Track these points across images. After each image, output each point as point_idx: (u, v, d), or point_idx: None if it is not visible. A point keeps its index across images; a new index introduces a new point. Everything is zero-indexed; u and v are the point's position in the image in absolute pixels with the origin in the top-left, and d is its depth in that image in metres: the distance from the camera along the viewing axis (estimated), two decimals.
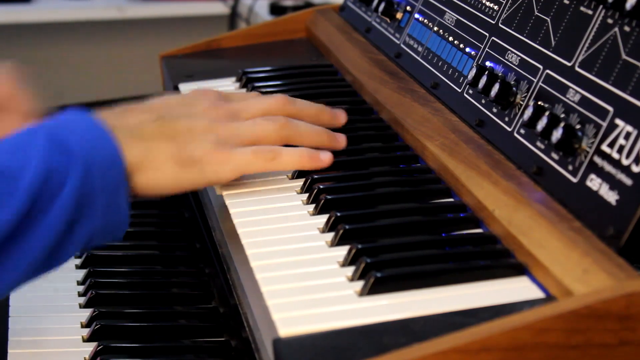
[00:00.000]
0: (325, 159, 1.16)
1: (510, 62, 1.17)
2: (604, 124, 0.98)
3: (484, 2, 1.28)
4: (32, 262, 1.00)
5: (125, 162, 1.05)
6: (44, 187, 0.99)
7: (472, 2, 1.31)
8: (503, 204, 1.02)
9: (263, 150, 1.12)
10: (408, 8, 1.47)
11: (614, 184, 0.94)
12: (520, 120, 1.11)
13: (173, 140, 1.09)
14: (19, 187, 0.98)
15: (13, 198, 0.97)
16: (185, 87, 1.51)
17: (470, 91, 1.23)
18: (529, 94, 1.12)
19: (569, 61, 1.07)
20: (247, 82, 1.49)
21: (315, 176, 1.14)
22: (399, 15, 1.49)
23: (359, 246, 0.98)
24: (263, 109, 1.17)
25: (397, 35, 1.47)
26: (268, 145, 1.14)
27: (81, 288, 1.29)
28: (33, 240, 0.99)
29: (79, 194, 1.01)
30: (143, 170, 1.07)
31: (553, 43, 1.11)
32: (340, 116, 1.25)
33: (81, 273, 1.32)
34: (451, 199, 1.10)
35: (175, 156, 1.08)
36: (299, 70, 1.54)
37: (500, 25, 1.23)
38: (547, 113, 1.04)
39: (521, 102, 1.13)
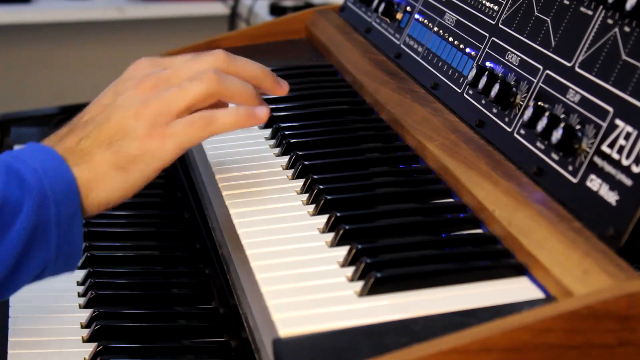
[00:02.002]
0: (262, 115, 1.12)
1: (510, 62, 1.17)
2: (604, 125, 0.98)
3: (484, 2, 1.28)
4: None
5: (79, 191, 1.05)
6: None
7: (472, 2, 1.31)
8: (503, 204, 1.02)
9: (196, 119, 1.08)
10: (408, 8, 1.47)
11: (614, 184, 0.94)
12: (520, 120, 1.11)
13: (109, 147, 1.07)
14: None
15: None
16: None
17: (470, 91, 1.23)
18: (529, 94, 1.12)
19: (569, 61, 1.07)
20: None
21: (315, 176, 1.14)
22: (399, 16, 1.49)
23: (359, 246, 0.98)
24: (197, 70, 1.12)
25: (397, 35, 1.47)
26: (202, 109, 1.10)
27: (81, 288, 1.28)
28: None
29: (32, 225, 1.01)
30: (93, 188, 1.07)
31: (553, 43, 1.11)
32: (282, 84, 1.18)
33: (81, 273, 1.32)
34: (451, 200, 1.10)
35: (116, 163, 1.07)
36: (298, 71, 1.54)
37: (500, 25, 1.23)
38: (547, 113, 1.04)
39: (521, 103, 1.13)
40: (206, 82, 1.09)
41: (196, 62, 1.13)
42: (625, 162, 0.94)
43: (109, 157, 1.07)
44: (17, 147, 1.13)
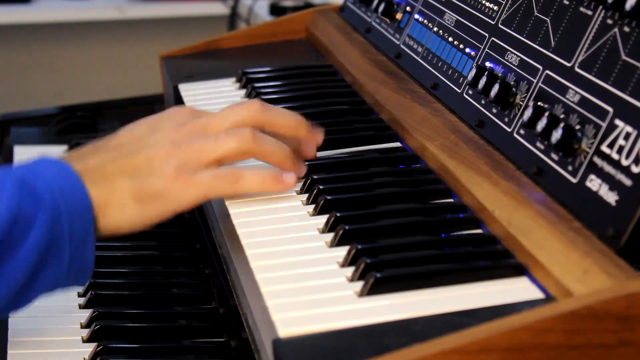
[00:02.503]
0: (289, 181, 1.12)
1: (510, 62, 1.17)
2: (604, 125, 0.98)
3: (483, 2, 1.28)
4: None
5: (93, 211, 1.04)
6: (11, 232, 0.99)
7: (472, 2, 1.31)
8: (503, 204, 1.02)
9: (224, 173, 1.09)
10: (408, 8, 1.47)
11: (613, 184, 0.94)
12: (520, 120, 1.11)
13: (133, 177, 1.07)
14: None
15: None
16: (185, 87, 1.51)
17: (470, 92, 1.23)
18: (529, 94, 1.12)
19: (569, 62, 1.07)
20: (247, 83, 1.49)
21: (315, 177, 1.14)
22: (398, 16, 1.49)
23: (359, 247, 0.98)
24: (232, 122, 1.11)
25: (397, 35, 1.47)
26: (231, 164, 1.11)
27: (81, 289, 1.28)
28: None
29: (45, 241, 1.01)
30: (107, 212, 1.06)
31: (553, 43, 1.11)
32: (318, 135, 1.18)
33: None
34: (451, 200, 1.10)
35: (136, 194, 1.07)
36: (298, 71, 1.54)
37: (500, 25, 1.23)
38: (546, 113, 1.04)
39: (521, 103, 1.13)
40: (241, 141, 1.09)
41: (233, 113, 1.12)
42: (625, 162, 0.94)
43: (130, 187, 1.07)
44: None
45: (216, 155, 1.08)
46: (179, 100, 1.49)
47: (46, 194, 1.02)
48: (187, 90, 1.50)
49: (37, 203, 1.01)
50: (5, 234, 0.99)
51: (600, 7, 1.06)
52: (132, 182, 1.07)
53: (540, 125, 1.04)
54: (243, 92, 1.47)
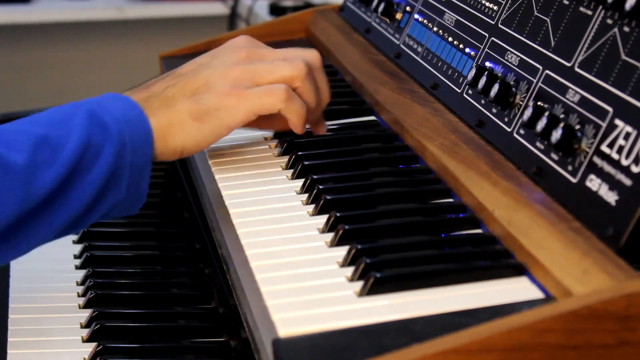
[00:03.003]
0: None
1: (510, 62, 1.17)
2: (604, 125, 0.98)
3: (483, 2, 1.28)
4: (63, 222, 1.10)
5: (153, 144, 1.14)
6: (82, 158, 1.09)
7: (472, 2, 1.31)
8: (503, 204, 1.02)
9: (275, 89, 1.16)
10: (408, 8, 1.47)
11: (613, 184, 0.94)
12: (520, 120, 1.11)
13: (191, 97, 1.16)
14: (62, 156, 1.08)
15: (56, 164, 1.07)
16: None
17: (470, 91, 1.23)
18: (529, 94, 1.12)
19: (569, 61, 1.07)
20: None
21: (315, 176, 1.14)
22: (398, 16, 1.49)
23: (359, 246, 0.98)
24: (290, 56, 1.21)
25: (397, 35, 1.47)
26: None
27: (81, 289, 1.29)
28: (67, 204, 1.09)
29: (110, 169, 1.10)
30: (171, 133, 1.15)
31: (552, 43, 1.11)
32: (321, 126, 1.28)
33: (81, 273, 1.32)
34: (451, 200, 1.10)
35: (194, 112, 1.15)
36: None
37: (499, 25, 1.23)
38: (546, 113, 1.04)
39: (521, 103, 1.13)
40: (295, 69, 1.18)
41: (291, 50, 1.24)
42: (624, 162, 0.94)
43: (188, 106, 1.15)
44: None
45: (270, 79, 1.18)
46: None
47: (113, 126, 1.11)
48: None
49: (105, 134, 1.10)
50: (77, 160, 1.08)
51: (600, 7, 1.06)
52: (190, 102, 1.16)
53: (540, 125, 1.04)
54: None
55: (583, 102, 1.02)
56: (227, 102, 1.15)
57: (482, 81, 1.17)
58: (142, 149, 1.13)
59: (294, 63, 1.19)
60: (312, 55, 1.23)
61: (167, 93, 1.17)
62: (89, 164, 1.09)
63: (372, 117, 1.33)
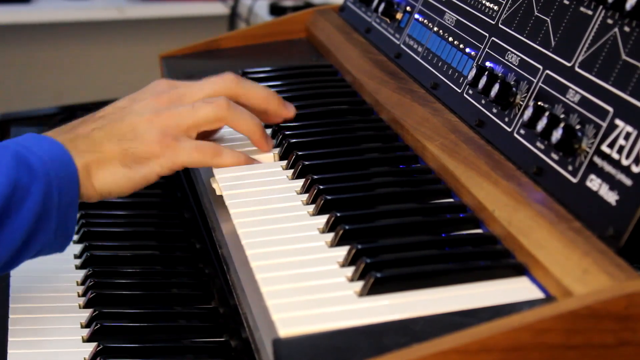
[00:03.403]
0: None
1: (510, 62, 1.17)
2: (604, 125, 0.98)
3: (483, 2, 1.28)
4: None
5: (79, 183, 1.15)
6: (10, 200, 1.09)
7: (472, 2, 1.31)
8: (503, 204, 1.02)
9: (206, 147, 1.18)
10: (408, 8, 1.47)
11: (613, 184, 0.94)
12: (520, 120, 1.11)
13: (119, 142, 1.17)
14: None
15: None
16: None
17: (470, 91, 1.23)
18: (529, 94, 1.12)
19: (569, 61, 1.07)
20: None
21: (315, 176, 1.14)
22: (398, 16, 1.49)
23: (359, 246, 0.98)
24: (208, 92, 1.21)
25: (397, 35, 1.47)
26: (211, 137, 1.23)
27: (81, 289, 1.28)
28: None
29: (38, 210, 1.10)
30: (98, 176, 1.17)
31: (553, 43, 1.11)
32: (289, 108, 1.28)
33: (81, 273, 1.32)
34: (451, 200, 1.10)
35: (123, 158, 1.17)
36: (298, 71, 1.54)
37: (500, 25, 1.23)
38: (547, 113, 1.04)
39: (521, 103, 1.13)
40: (217, 109, 1.19)
41: (209, 83, 1.23)
42: (625, 162, 0.94)
43: (117, 151, 1.17)
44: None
45: (194, 121, 1.18)
46: None
47: (39, 167, 1.11)
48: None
49: (31, 175, 1.10)
50: (5, 202, 1.09)
51: (601, 7, 1.06)
52: (118, 148, 1.17)
53: (541, 125, 1.04)
54: None
55: (583, 102, 1.02)
56: (157, 152, 1.17)
57: (483, 81, 1.17)
58: (68, 189, 1.13)
59: (214, 103, 1.19)
60: (227, 80, 1.23)
61: (94, 136, 1.17)
62: (17, 205, 1.09)
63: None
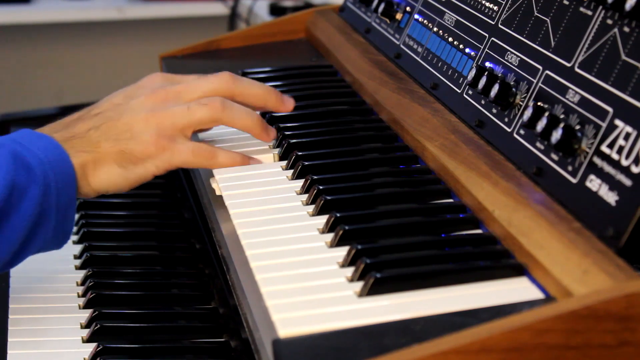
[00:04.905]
0: (256, 159, 1.23)
1: (510, 62, 1.17)
2: (604, 125, 0.98)
3: (483, 2, 1.28)
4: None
5: (77, 182, 1.15)
6: (8, 200, 1.10)
7: (472, 2, 1.31)
8: (503, 204, 1.02)
9: (201, 150, 1.19)
10: (408, 9, 1.47)
11: (613, 184, 0.94)
12: (520, 120, 1.11)
13: (116, 142, 1.18)
14: None
15: None
16: None
17: (470, 92, 1.23)
18: (529, 94, 1.12)
19: (569, 62, 1.07)
20: None
21: (315, 177, 1.14)
22: (398, 16, 1.49)
23: (359, 247, 0.98)
24: (204, 91, 1.21)
25: (397, 35, 1.47)
26: (206, 138, 1.24)
27: (81, 289, 1.29)
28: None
29: (37, 210, 1.11)
30: (94, 174, 1.18)
31: (553, 44, 1.11)
32: (287, 102, 1.28)
33: (81, 274, 1.32)
34: (451, 200, 1.10)
35: (119, 157, 1.18)
36: (298, 71, 1.54)
37: (499, 25, 1.23)
38: (546, 114, 1.04)
39: (521, 103, 1.13)
40: (211, 110, 1.19)
41: (205, 82, 1.23)
42: (624, 163, 0.94)
43: (114, 150, 1.17)
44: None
45: (189, 122, 1.19)
46: None
47: (37, 167, 1.11)
48: None
49: (29, 175, 1.10)
50: (4, 201, 1.09)
51: (600, 7, 1.06)
52: (115, 147, 1.18)
53: (540, 125, 1.04)
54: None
55: (583, 102, 1.02)
56: (152, 152, 1.18)
57: (482, 81, 1.17)
58: (66, 189, 1.14)
59: (209, 104, 1.19)
60: (223, 79, 1.23)
61: (90, 136, 1.18)
62: (16, 205, 1.10)
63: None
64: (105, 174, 1.18)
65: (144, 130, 1.17)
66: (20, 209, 1.10)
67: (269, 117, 1.32)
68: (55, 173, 1.13)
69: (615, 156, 0.95)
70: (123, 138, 1.18)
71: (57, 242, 1.17)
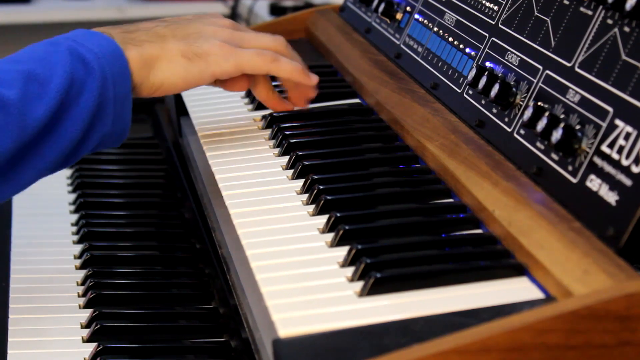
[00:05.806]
0: (314, 79, 1.29)
1: (510, 62, 1.17)
2: (604, 125, 0.98)
3: (483, 2, 1.28)
4: (56, 156, 1.14)
5: (132, 76, 1.18)
6: (68, 93, 1.13)
7: (472, 2, 1.31)
8: (503, 204, 1.02)
9: (266, 53, 1.24)
10: (408, 9, 1.47)
11: (613, 184, 0.94)
12: (520, 120, 1.11)
13: (183, 40, 1.22)
14: (50, 90, 1.12)
15: (46, 98, 1.11)
16: None
17: (470, 92, 1.23)
18: (529, 94, 1.12)
19: (569, 62, 1.07)
20: None
21: (315, 176, 1.14)
22: (398, 16, 1.49)
23: (359, 247, 0.98)
24: (263, 44, 1.27)
25: (397, 35, 1.47)
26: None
27: (81, 289, 1.28)
28: (59, 137, 1.13)
29: (96, 102, 1.14)
30: (158, 66, 1.20)
31: (553, 43, 1.11)
32: (312, 77, 1.31)
33: (81, 274, 1.32)
34: (451, 200, 1.10)
35: (184, 50, 1.21)
36: None
37: (500, 25, 1.23)
38: (547, 113, 1.04)
39: (521, 103, 1.13)
40: (277, 40, 1.27)
41: (264, 38, 1.28)
42: (625, 162, 0.94)
43: (180, 45, 1.21)
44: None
45: (256, 43, 1.25)
46: (179, 100, 1.49)
47: (93, 61, 1.14)
48: (187, 90, 1.50)
49: (86, 69, 1.14)
50: (65, 94, 1.12)
51: (600, 7, 1.06)
52: (182, 43, 1.21)
53: (541, 125, 1.04)
54: (242, 92, 1.47)
55: (583, 102, 1.02)
56: (219, 50, 1.22)
57: (483, 81, 1.17)
58: (122, 82, 1.17)
59: (275, 36, 1.27)
60: (278, 42, 1.28)
61: (157, 30, 1.22)
62: (75, 98, 1.13)
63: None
64: (167, 66, 1.20)
65: (212, 35, 1.22)
66: (80, 102, 1.13)
67: (270, 117, 1.32)
68: (111, 66, 1.16)
69: (615, 156, 0.95)
70: (192, 37, 1.22)
71: (115, 138, 1.19)
